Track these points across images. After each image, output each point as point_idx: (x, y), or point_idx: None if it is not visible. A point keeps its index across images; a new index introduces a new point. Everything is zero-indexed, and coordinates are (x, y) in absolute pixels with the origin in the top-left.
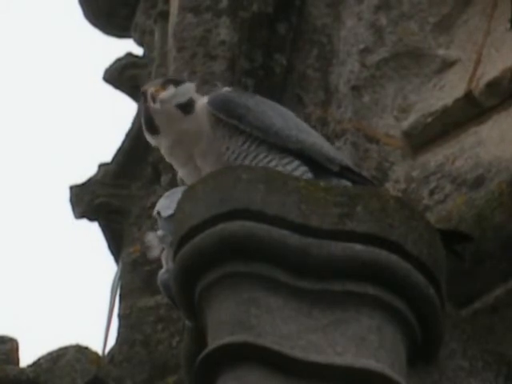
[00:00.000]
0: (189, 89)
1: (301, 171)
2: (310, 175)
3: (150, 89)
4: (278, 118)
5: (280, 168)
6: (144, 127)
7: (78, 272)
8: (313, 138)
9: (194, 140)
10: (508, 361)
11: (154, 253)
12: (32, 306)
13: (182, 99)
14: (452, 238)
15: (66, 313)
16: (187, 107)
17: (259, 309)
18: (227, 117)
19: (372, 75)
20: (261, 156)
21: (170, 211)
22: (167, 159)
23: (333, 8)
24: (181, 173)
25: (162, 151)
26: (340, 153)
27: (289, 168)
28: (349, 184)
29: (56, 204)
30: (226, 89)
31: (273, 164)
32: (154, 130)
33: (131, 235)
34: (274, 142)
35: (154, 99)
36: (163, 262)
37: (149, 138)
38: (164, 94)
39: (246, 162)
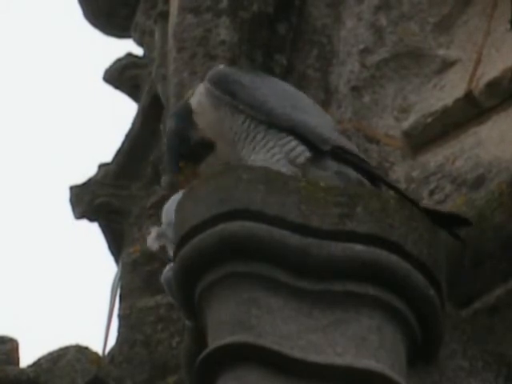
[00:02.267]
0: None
1: (298, 151)
2: (307, 154)
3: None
4: (272, 96)
5: (277, 149)
6: None
7: (78, 272)
8: (307, 116)
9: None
10: (508, 361)
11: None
12: (32, 305)
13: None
14: (450, 221)
15: (66, 313)
16: (206, 152)
17: (259, 309)
18: (222, 93)
19: (372, 75)
20: (259, 137)
21: None
22: None
23: (333, 8)
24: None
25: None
26: (337, 133)
27: (285, 149)
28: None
29: (56, 204)
30: (222, 66)
31: (270, 145)
32: None
33: (131, 235)
34: (267, 120)
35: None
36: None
37: None
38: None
39: (247, 143)
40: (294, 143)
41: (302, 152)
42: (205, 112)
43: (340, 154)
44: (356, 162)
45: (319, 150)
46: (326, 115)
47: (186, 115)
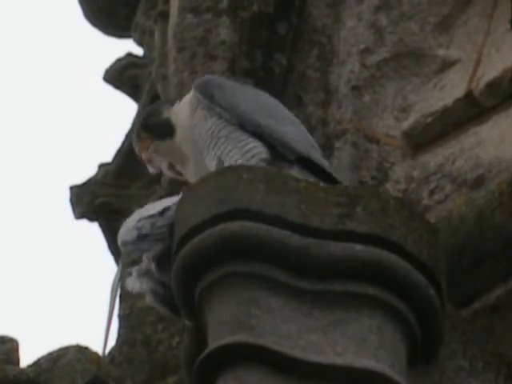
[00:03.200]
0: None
1: (255, 152)
2: (264, 156)
3: (136, 148)
4: (248, 103)
5: (235, 151)
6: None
7: (78, 272)
8: (280, 125)
9: (190, 147)
10: (508, 361)
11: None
12: (32, 306)
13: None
14: None
15: (66, 313)
16: (166, 134)
17: (259, 309)
18: (203, 96)
19: (372, 75)
20: (221, 141)
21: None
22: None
23: (333, 8)
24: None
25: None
26: (309, 146)
27: (243, 150)
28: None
29: (56, 204)
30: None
31: (229, 148)
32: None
33: None
34: (237, 123)
35: (150, 163)
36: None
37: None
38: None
39: (210, 148)
40: (252, 144)
41: (258, 153)
42: (182, 115)
43: (305, 165)
44: (322, 175)
45: (285, 158)
46: (303, 129)
47: (167, 103)
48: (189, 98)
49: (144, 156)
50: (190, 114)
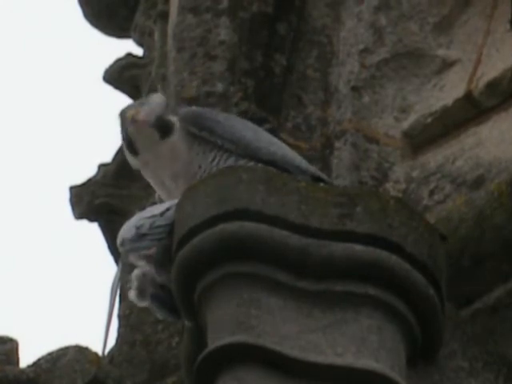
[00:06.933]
0: (158, 103)
1: None
2: None
3: (128, 112)
4: (247, 131)
5: None
6: (125, 149)
7: (78, 272)
8: (283, 150)
9: (167, 164)
10: (508, 361)
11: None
12: (32, 306)
13: (153, 115)
14: None
15: (66, 313)
16: (166, 130)
17: (259, 309)
18: (199, 130)
19: (372, 75)
20: None
21: (132, 231)
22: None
23: (333, 8)
24: (158, 191)
25: (142, 172)
26: (311, 166)
27: None
28: None
29: (56, 204)
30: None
31: None
32: (134, 151)
33: None
34: (245, 153)
35: (134, 121)
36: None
37: (130, 159)
38: (142, 115)
39: None
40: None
41: None
42: (177, 156)
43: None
44: None
45: None
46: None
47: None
48: (178, 133)
49: (138, 117)
50: (186, 148)
